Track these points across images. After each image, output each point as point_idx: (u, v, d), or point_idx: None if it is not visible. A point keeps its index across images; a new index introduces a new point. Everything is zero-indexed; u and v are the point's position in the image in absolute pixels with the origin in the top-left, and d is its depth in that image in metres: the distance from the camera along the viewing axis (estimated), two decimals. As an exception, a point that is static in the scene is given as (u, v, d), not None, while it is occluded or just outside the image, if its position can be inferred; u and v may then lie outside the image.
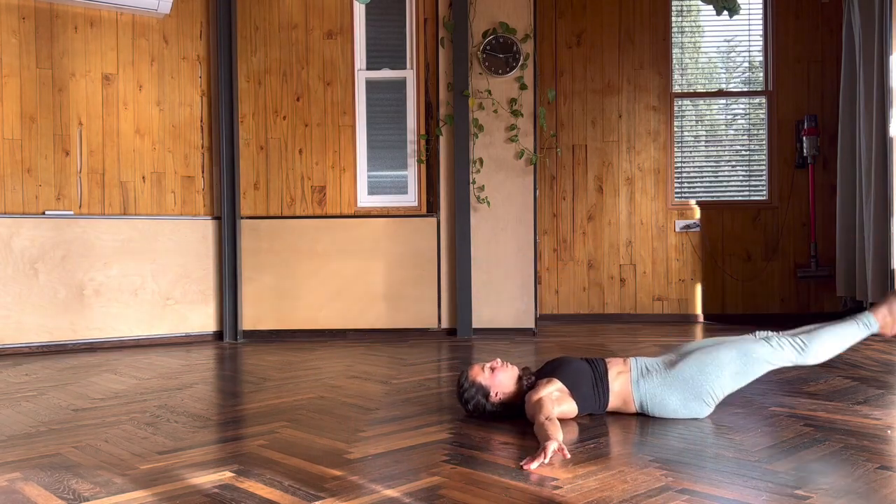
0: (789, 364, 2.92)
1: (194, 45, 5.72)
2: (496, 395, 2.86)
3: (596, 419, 2.92)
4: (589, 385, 2.86)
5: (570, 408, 2.81)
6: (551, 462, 2.31)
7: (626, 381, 2.90)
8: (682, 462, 2.33)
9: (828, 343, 2.93)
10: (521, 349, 4.97)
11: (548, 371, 2.93)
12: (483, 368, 2.90)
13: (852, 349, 4.70)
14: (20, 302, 5.08)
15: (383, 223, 5.75)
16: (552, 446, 2.32)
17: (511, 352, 4.81)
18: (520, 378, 2.91)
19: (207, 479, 2.22)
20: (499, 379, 2.87)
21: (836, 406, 3.11)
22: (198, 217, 5.68)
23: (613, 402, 2.92)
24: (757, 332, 3.07)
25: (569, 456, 2.34)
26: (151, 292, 5.50)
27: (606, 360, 2.99)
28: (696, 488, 2.06)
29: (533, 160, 5.69)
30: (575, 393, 2.81)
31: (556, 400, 2.75)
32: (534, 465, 2.25)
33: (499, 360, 2.95)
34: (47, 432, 2.84)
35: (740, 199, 6.72)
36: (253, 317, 5.71)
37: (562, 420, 2.79)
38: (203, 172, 5.75)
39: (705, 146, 6.82)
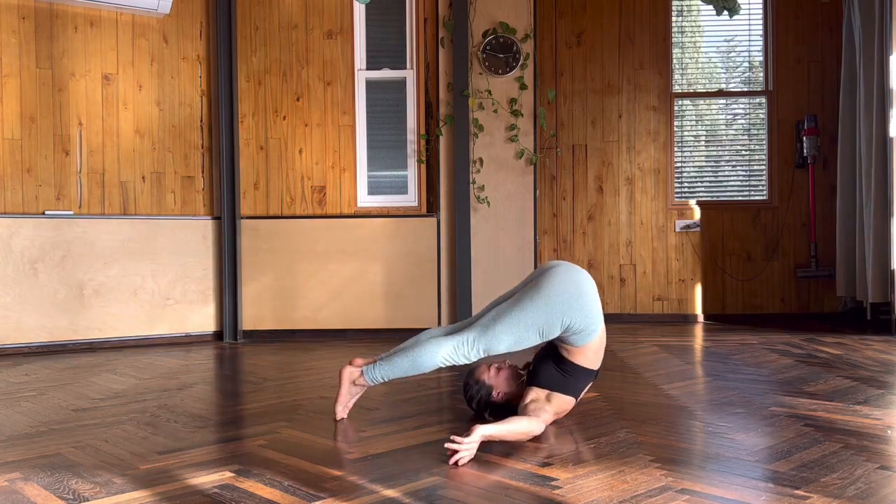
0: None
1: (194, 45, 5.72)
2: (498, 395, 2.87)
3: (599, 418, 2.92)
4: (559, 374, 2.83)
5: (562, 401, 2.81)
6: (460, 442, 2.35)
7: (580, 349, 2.84)
8: (682, 462, 2.33)
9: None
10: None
11: (530, 378, 2.93)
12: (489, 368, 2.92)
13: (851, 349, 4.70)
14: (20, 302, 5.08)
15: (383, 223, 5.75)
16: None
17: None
18: (521, 371, 2.94)
19: (207, 479, 2.22)
20: (502, 379, 2.89)
21: (836, 406, 3.11)
22: (198, 217, 5.68)
23: (595, 365, 2.88)
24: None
25: (452, 445, 2.35)
26: (151, 292, 5.49)
27: (554, 343, 2.94)
28: (696, 488, 2.06)
29: (533, 160, 5.69)
30: (555, 389, 2.81)
31: (546, 400, 2.76)
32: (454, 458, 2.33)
33: (507, 361, 2.97)
34: (47, 432, 2.84)
35: (740, 199, 6.72)
36: (253, 317, 5.71)
37: (564, 413, 2.85)
38: (203, 172, 5.75)
39: (705, 146, 6.82)
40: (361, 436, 2.72)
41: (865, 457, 2.35)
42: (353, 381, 2.96)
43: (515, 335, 2.79)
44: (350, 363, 2.99)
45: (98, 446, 2.62)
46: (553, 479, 2.16)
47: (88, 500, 2.05)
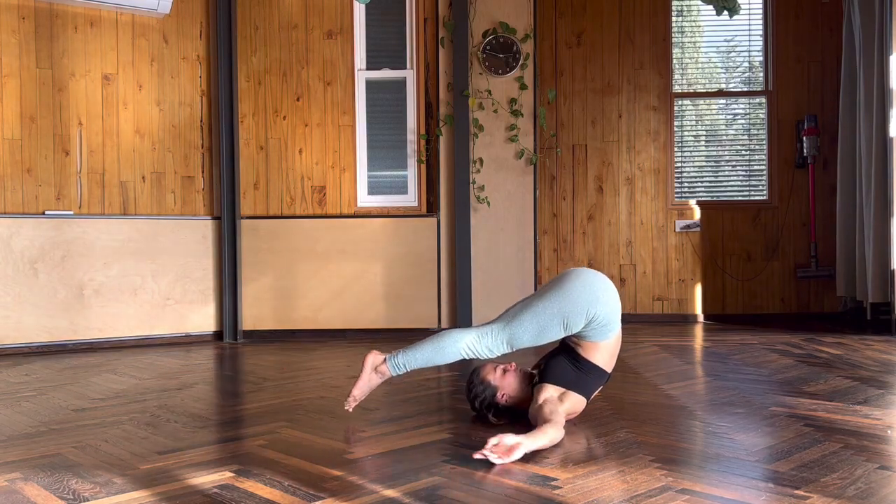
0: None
1: (194, 45, 5.72)
2: (503, 397, 2.85)
3: (599, 418, 2.91)
4: (574, 372, 2.82)
5: (573, 403, 2.79)
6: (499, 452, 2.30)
7: (594, 346, 2.84)
8: (682, 462, 2.33)
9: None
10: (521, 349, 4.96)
11: (540, 378, 2.91)
12: (495, 369, 2.90)
13: (851, 349, 4.70)
14: (20, 302, 5.08)
15: (383, 223, 5.75)
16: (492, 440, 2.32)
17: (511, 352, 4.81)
18: (530, 383, 2.90)
19: (207, 479, 2.22)
20: (508, 381, 2.87)
21: (836, 406, 3.11)
22: (198, 217, 5.68)
23: (609, 367, 2.89)
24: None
25: (488, 453, 2.28)
26: (151, 292, 5.50)
27: (567, 341, 2.93)
28: (696, 488, 2.06)
29: (533, 160, 5.69)
30: (568, 387, 2.81)
31: (559, 400, 2.74)
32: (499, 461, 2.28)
33: (513, 363, 2.95)
34: (47, 432, 2.84)
35: (740, 199, 6.72)
36: (253, 317, 5.71)
37: (577, 413, 2.83)
38: (203, 172, 5.75)
39: (705, 146, 6.82)
40: (361, 436, 2.72)
41: (865, 457, 2.35)
42: (376, 367, 2.94)
43: (539, 325, 2.78)
44: (372, 352, 2.98)
45: (98, 446, 2.62)
46: (553, 479, 2.16)
47: (88, 500, 2.05)
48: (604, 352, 2.85)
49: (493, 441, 2.31)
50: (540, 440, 2.42)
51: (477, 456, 2.29)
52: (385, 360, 2.93)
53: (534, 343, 2.84)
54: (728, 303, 6.64)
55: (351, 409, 2.97)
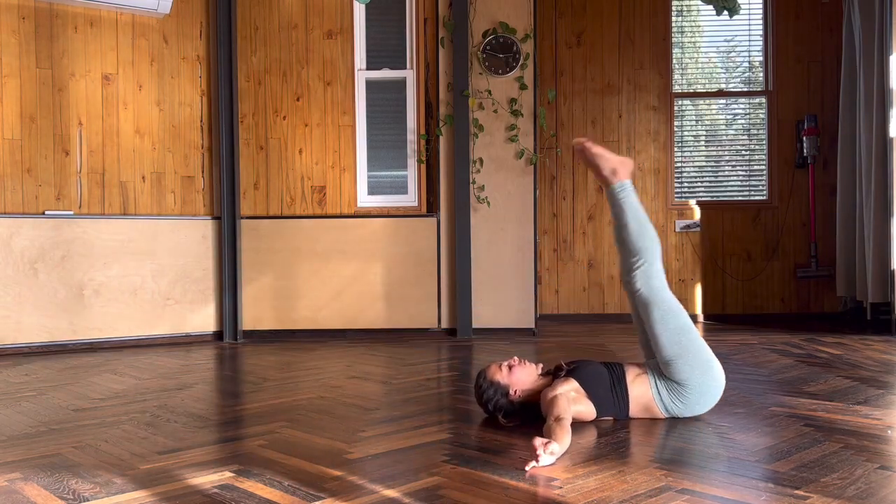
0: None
1: (194, 45, 5.72)
2: (515, 393, 2.82)
3: (598, 418, 2.91)
4: (606, 387, 2.80)
5: (586, 409, 2.77)
6: (541, 459, 2.25)
7: (645, 387, 2.83)
8: (682, 462, 2.33)
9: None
10: (521, 349, 4.97)
11: (567, 372, 2.89)
12: (500, 367, 2.86)
13: (851, 350, 4.70)
14: (20, 302, 5.08)
15: (383, 223, 5.75)
16: (535, 442, 2.26)
17: (511, 352, 4.81)
18: (540, 374, 2.88)
19: (207, 479, 2.22)
20: (517, 376, 2.83)
21: (836, 406, 3.11)
22: (198, 217, 5.68)
23: (635, 409, 2.85)
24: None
25: (540, 456, 2.23)
26: (151, 292, 5.49)
27: (625, 364, 2.92)
28: (696, 488, 2.06)
29: (533, 160, 5.69)
30: (590, 394, 2.78)
31: (573, 399, 2.72)
32: (527, 467, 2.24)
33: (516, 357, 2.92)
34: (47, 432, 2.84)
35: (740, 199, 6.72)
36: (253, 317, 5.71)
37: (578, 421, 2.76)
38: (203, 172, 5.75)
39: (705, 146, 6.82)
40: (361, 436, 2.72)
41: (865, 457, 2.35)
42: (621, 163, 3.00)
43: (665, 317, 2.77)
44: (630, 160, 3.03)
45: (98, 446, 2.62)
46: (553, 479, 2.16)
47: (88, 500, 2.05)
48: (645, 401, 2.83)
49: (537, 444, 2.25)
50: (565, 441, 2.38)
51: (528, 467, 2.23)
52: (628, 177, 2.97)
53: (648, 317, 2.80)
54: (728, 303, 6.64)
55: (580, 146, 3.00)
